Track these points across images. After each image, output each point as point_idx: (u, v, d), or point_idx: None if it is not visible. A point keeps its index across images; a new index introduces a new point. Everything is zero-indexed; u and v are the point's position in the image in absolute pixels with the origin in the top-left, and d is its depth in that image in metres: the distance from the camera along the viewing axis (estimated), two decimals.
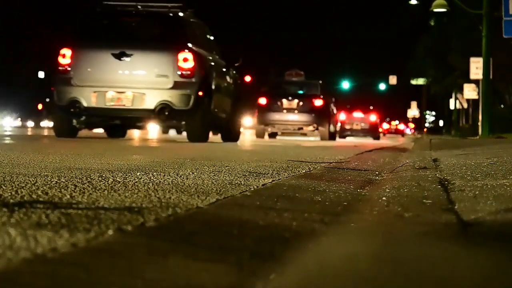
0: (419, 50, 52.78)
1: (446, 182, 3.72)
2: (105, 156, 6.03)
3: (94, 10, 13.02)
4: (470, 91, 38.41)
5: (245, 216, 2.30)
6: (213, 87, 12.82)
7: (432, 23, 51.19)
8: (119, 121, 12.79)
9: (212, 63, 13.25)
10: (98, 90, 12.18)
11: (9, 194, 2.69)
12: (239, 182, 3.58)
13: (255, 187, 3.35)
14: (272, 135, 25.51)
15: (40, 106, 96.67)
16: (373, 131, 35.02)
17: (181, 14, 12.80)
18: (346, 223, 2.36)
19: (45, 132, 23.87)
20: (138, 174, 3.92)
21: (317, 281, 1.46)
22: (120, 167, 4.52)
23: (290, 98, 23.94)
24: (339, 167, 5.37)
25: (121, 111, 12.23)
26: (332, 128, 24.60)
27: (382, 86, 76.62)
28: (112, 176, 3.68)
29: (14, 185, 3.02)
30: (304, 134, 26.50)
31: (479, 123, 23.97)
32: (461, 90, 43.55)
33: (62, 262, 1.47)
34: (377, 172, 5.01)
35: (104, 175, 3.73)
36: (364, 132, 35.20)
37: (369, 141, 24.43)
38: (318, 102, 23.78)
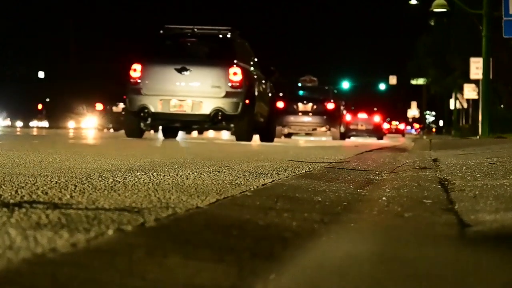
0: (419, 50, 52.69)
1: (446, 182, 3.73)
2: (105, 156, 6.03)
3: (158, 33, 15.47)
4: (470, 91, 38.40)
5: (245, 216, 2.30)
6: (256, 95, 15.00)
7: (432, 23, 51.16)
8: (179, 124, 15.08)
9: (255, 76, 15.50)
10: (163, 98, 14.48)
11: (9, 194, 2.69)
12: (239, 182, 3.58)
13: (255, 187, 3.34)
14: (288, 135, 27.61)
15: (40, 106, 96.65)
16: (377, 132, 35.39)
17: (229, 35, 15.14)
18: (346, 223, 2.36)
19: (44, 132, 23.84)
20: (138, 174, 3.92)
21: (317, 281, 1.46)
22: (120, 167, 4.52)
23: (305, 102, 26.62)
24: (339, 167, 5.37)
25: (182, 116, 14.52)
26: (342, 129, 27.26)
27: (382, 86, 76.56)
28: (112, 176, 3.68)
29: (14, 185, 3.02)
30: (310, 134, 28.52)
31: (479, 123, 23.95)
32: (461, 90, 43.53)
33: (62, 262, 1.47)
34: (377, 172, 5.01)
35: (104, 175, 3.73)
36: (368, 133, 35.52)
37: (370, 141, 24.50)
38: (330, 106, 26.45)
